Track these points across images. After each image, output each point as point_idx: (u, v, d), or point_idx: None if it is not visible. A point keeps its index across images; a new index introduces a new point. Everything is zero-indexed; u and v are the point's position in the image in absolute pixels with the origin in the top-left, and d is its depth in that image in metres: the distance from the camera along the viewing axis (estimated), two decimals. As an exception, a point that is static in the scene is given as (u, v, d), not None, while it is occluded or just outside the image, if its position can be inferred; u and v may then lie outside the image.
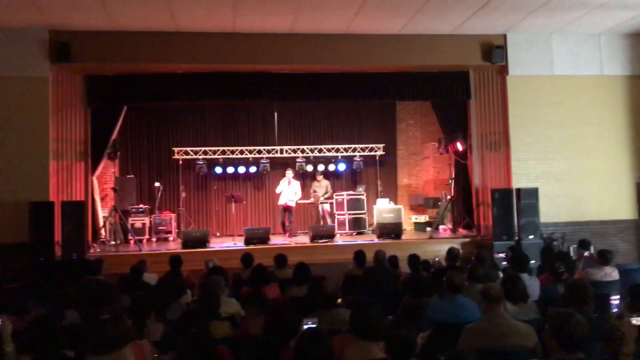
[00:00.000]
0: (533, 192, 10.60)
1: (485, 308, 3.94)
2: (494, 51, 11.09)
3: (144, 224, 12.35)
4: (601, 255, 6.69)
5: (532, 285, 5.53)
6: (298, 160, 13.38)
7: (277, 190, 12.76)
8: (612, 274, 6.55)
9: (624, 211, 11.46)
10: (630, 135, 11.57)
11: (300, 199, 12.89)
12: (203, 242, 10.83)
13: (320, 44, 10.78)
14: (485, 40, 11.18)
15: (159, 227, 12.55)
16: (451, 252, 7.07)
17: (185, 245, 10.70)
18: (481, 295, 3.95)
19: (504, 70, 11.33)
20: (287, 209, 12.60)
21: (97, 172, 11.46)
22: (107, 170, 12.69)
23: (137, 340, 3.60)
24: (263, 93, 11.35)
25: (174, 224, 12.70)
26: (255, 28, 10.37)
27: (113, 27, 10.07)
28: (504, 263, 8.31)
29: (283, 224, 12.73)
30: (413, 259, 7.01)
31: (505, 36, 11.21)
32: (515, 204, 10.63)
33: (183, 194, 13.39)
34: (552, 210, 10.97)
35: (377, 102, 13.37)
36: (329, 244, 11.03)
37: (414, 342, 3.02)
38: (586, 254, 7.59)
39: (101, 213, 11.63)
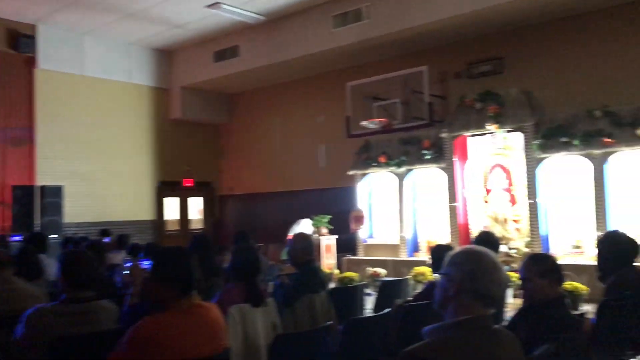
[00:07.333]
0: (57, 191, 10.38)
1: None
2: (22, 40, 10.45)
3: None
4: (119, 240, 7.04)
5: (51, 264, 5.36)
6: None
7: None
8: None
9: (144, 212, 12.34)
10: (152, 140, 12.58)
11: None
12: None
13: None
14: (13, 26, 10.43)
15: None
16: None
17: None
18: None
19: (32, 62, 10.76)
20: None
21: None
22: None
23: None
24: None
25: None
26: None
27: None
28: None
29: None
30: None
31: (35, 26, 10.68)
32: (40, 203, 10.15)
33: None
34: (76, 210, 10.90)
35: None
36: None
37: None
38: (106, 239, 7.87)
39: None
